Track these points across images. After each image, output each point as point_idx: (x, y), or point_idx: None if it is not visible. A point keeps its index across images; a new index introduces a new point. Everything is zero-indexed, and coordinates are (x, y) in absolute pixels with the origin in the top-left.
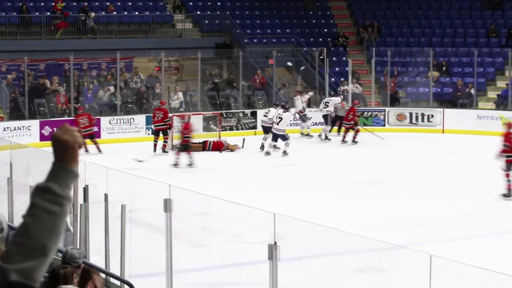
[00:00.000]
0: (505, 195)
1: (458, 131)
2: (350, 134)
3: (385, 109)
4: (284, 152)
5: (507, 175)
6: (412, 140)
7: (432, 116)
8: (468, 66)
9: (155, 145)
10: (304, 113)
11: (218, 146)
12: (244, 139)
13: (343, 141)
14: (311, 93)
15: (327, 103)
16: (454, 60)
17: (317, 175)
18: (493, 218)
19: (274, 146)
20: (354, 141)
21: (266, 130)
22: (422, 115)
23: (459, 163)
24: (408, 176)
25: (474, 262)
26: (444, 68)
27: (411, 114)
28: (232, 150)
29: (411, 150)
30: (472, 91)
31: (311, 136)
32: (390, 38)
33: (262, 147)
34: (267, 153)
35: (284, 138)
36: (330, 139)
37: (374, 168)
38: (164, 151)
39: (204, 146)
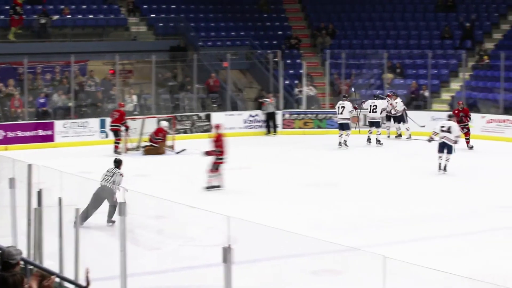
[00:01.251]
0: (208, 188)
1: (413, 133)
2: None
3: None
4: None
5: (211, 171)
6: (367, 142)
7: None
8: (422, 68)
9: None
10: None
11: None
12: (184, 149)
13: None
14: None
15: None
16: (408, 62)
17: (270, 178)
18: (445, 220)
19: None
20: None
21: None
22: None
23: (413, 165)
24: (362, 178)
25: (427, 264)
26: (398, 70)
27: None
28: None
29: (365, 152)
30: (426, 93)
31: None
32: (344, 41)
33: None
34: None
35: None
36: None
37: (327, 170)
38: (115, 151)
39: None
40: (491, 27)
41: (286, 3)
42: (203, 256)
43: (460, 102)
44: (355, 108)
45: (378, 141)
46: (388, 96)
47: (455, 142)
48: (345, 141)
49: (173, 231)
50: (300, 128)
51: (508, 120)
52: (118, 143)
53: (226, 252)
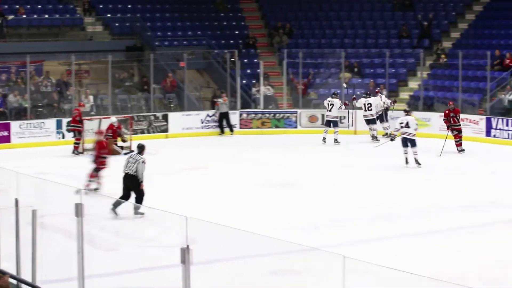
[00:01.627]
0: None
1: (368, 132)
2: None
3: (297, 111)
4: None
5: (92, 176)
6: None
7: (345, 117)
8: (380, 67)
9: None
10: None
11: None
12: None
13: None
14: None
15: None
16: (366, 61)
17: (228, 178)
18: (405, 219)
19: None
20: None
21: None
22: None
23: (372, 165)
24: (322, 177)
25: (387, 263)
26: (356, 69)
27: (323, 115)
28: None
29: (324, 151)
30: (384, 92)
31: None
32: (301, 40)
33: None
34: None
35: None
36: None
37: (287, 170)
38: (73, 152)
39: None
40: (449, 26)
41: (243, 3)
42: (161, 257)
43: (451, 103)
44: (345, 104)
45: (374, 137)
46: (377, 92)
47: (415, 134)
48: (335, 139)
49: (131, 232)
50: (258, 128)
51: (467, 119)
52: (77, 143)
53: (184, 253)
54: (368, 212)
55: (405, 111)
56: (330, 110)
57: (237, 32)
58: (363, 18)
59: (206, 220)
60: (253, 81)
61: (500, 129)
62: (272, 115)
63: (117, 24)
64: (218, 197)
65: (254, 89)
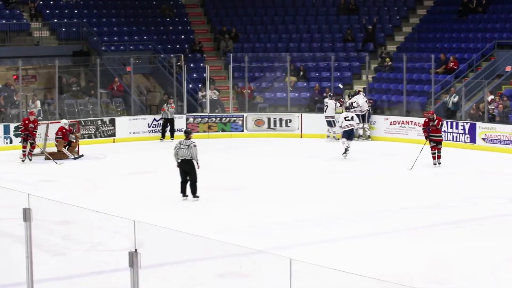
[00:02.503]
0: None
1: (316, 135)
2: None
3: (243, 115)
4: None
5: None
6: (271, 145)
7: (290, 121)
8: (325, 70)
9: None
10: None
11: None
12: (82, 155)
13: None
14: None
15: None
16: (311, 65)
17: (177, 182)
18: (352, 221)
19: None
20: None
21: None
22: (280, 120)
23: (318, 167)
24: (268, 181)
25: (333, 265)
26: (301, 73)
27: (269, 119)
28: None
29: (270, 155)
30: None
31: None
32: (247, 44)
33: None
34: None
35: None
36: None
37: (233, 173)
38: (25, 159)
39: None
40: (393, 30)
41: (189, 7)
42: (110, 260)
43: (432, 112)
44: (341, 103)
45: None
46: (359, 91)
47: (357, 127)
48: (333, 136)
49: (79, 236)
50: (205, 131)
51: (412, 121)
52: (24, 150)
53: (133, 257)
54: (314, 215)
55: (346, 108)
56: (325, 111)
57: (183, 37)
58: (308, 22)
59: (154, 224)
60: (199, 85)
61: (444, 132)
62: (218, 119)
63: (63, 29)
64: (166, 201)
65: (200, 93)
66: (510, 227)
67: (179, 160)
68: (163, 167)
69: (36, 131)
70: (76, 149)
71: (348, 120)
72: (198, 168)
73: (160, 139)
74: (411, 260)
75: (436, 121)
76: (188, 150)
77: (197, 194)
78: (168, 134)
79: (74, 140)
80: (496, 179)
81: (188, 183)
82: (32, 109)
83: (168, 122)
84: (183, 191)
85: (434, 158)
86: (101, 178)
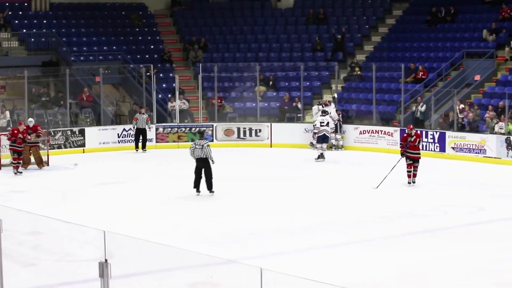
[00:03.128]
0: None
1: (286, 145)
2: None
3: (213, 125)
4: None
5: None
6: (241, 155)
7: (260, 130)
8: (294, 80)
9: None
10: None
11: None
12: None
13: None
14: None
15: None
16: (281, 74)
17: (147, 192)
18: (325, 231)
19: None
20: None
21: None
22: (250, 129)
23: (290, 177)
24: (241, 190)
25: (306, 275)
26: (271, 83)
27: (238, 129)
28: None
29: (240, 165)
30: (299, 105)
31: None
32: (216, 54)
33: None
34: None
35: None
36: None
37: (204, 183)
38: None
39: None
40: (362, 39)
41: (158, 17)
42: (80, 271)
43: (411, 126)
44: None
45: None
46: (328, 102)
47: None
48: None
49: (49, 246)
50: (174, 141)
51: (381, 131)
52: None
53: (103, 267)
54: (287, 224)
55: (322, 112)
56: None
57: (152, 47)
58: (277, 32)
59: (125, 234)
60: (169, 96)
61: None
62: (188, 129)
63: (32, 39)
64: (136, 211)
65: (170, 104)
66: (481, 235)
67: (195, 158)
68: (132, 177)
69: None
70: (46, 159)
71: (323, 125)
72: (213, 163)
73: (136, 150)
74: (384, 269)
75: (414, 137)
76: (202, 150)
77: (212, 190)
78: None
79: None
80: (466, 188)
81: (204, 179)
82: (1, 119)
83: (141, 133)
84: (197, 186)
85: (409, 176)
86: (71, 188)
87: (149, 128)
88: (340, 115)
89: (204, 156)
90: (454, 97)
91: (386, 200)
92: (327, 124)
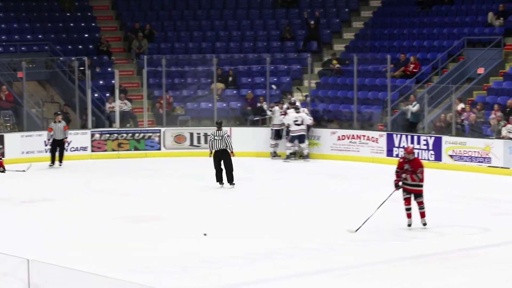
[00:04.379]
0: None
1: (249, 154)
2: None
3: (160, 130)
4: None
5: None
6: (194, 166)
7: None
8: (259, 75)
9: None
10: None
11: None
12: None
13: None
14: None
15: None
16: (243, 68)
17: (79, 212)
18: (291, 257)
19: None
20: None
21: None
22: (206, 135)
23: (251, 192)
24: (191, 209)
25: None
26: (230, 79)
27: (191, 134)
28: None
29: (193, 178)
30: (265, 106)
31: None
32: (164, 44)
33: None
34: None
35: None
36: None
37: (148, 201)
38: None
39: None
40: (341, 26)
41: (94, 0)
42: None
43: (409, 148)
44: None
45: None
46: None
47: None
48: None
49: None
50: (114, 150)
51: (364, 135)
52: None
53: None
54: (245, 250)
55: (296, 109)
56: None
57: (86, 35)
58: (238, 17)
59: (52, 263)
60: (107, 95)
61: (404, 147)
62: (130, 135)
63: None
64: (66, 235)
65: (108, 104)
66: (482, 263)
67: (213, 151)
68: (62, 194)
69: None
70: None
71: (298, 124)
72: (233, 155)
73: (51, 164)
74: None
75: (413, 163)
76: (222, 140)
77: (233, 182)
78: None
79: None
80: (467, 204)
81: (224, 171)
82: None
83: (58, 145)
84: (219, 179)
85: (409, 216)
86: None
87: (68, 143)
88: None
89: (224, 147)
90: (452, 94)
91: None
92: (302, 122)
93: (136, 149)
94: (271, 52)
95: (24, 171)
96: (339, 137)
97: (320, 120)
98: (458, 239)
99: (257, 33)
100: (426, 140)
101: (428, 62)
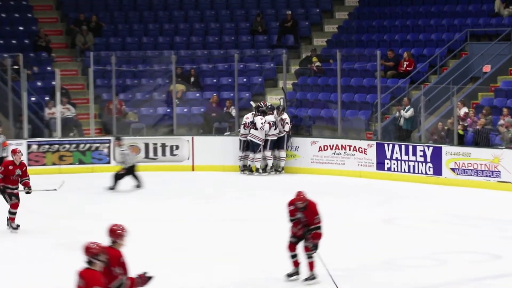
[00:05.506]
0: None
1: (215, 167)
2: None
3: (109, 139)
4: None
5: None
6: (151, 182)
7: (177, 147)
8: (226, 75)
9: None
10: None
11: None
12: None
13: None
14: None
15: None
16: (207, 67)
17: (14, 237)
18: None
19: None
20: None
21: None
22: (163, 146)
23: (218, 213)
24: (148, 234)
25: None
26: (192, 79)
27: (147, 145)
28: None
29: (149, 196)
30: (233, 111)
31: None
32: (114, 39)
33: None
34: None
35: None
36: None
37: (95, 224)
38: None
39: None
40: (321, 17)
41: None
42: None
43: (301, 196)
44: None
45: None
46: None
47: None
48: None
49: None
50: (55, 164)
51: (350, 146)
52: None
53: None
54: (214, 281)
55: (259, 111)
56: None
57: (21, 28)
58: (200, 7)
59: None
60: (46, 98)
61: (397, 159)
62: (74, 146)
63: None
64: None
65: (47, 110)
66: None
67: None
68: None
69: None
70: None
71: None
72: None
73: None
74: None
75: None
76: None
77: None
78: None
79: None
80: (473, 226)
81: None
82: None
83: None
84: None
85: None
86: None
87: (6, 155)
88: (289, 124)
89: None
90: (453, 96)
91: (357, 245)
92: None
93: (81, 162)
94: (240, 48)
95: (55, 189)
96: (320, 147)
97: (298, 128)
98: (462, 268)
99: (223, 26)
100: (423, 151)
101: (424, 58)
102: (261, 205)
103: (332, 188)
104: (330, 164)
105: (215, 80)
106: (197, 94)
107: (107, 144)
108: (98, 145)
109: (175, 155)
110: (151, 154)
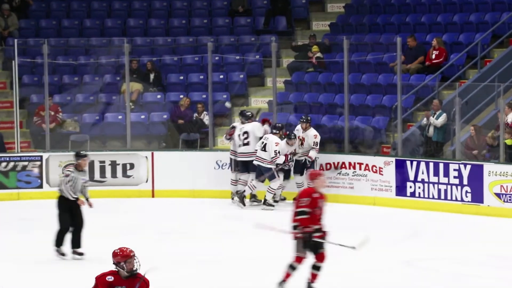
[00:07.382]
0: None
1: (182, 192)
2: None
3: (41, 156)
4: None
5: None
6: (99, 211)
7: (132, 166)
8: (197, 71)
9: None
10: None
11: None
12: None
13: None
14: None
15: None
16: (171, 60)
17: None
18: None
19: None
20: None
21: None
22: (113, 164)
23: (191, 253)
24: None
25: None
26: (152, 76)
27: (92, 163)
28: None
29: (98, 232)
30: (206, 118)
31: None
32: (46, 21)
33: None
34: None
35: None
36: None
37: (23, 267)
38: None
39: None
40: None
41: None
42: None
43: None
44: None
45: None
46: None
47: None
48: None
49: None
50: None
51: (361, 163)
52: None
53: None
54: None
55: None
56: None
57: None
58: None
59: None
60: None
61: (423, 182)
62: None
63: None
64: None
65: None
66: None
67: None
68: None
69: None
70: None
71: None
72: (90, 206)
73: None
74: None
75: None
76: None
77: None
78: None
79: None
80: None
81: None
82: None
83: None
84: (60, 242)
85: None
86: None
87: None
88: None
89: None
90: (499, 98)
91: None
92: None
93: (3, 187)
94: (216, 35)
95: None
96: (321, 166)
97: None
98: None
99: (192, 5)
100: (459, 170)
101: (459, 48)
102: (245, 242)
103: (337, 221)
104: (334, 188)
105: (182, 78)
106: (159, 96)
107: (38, 162)
108: (26, 163)
109: (129, 176)
110: (96, 176)
